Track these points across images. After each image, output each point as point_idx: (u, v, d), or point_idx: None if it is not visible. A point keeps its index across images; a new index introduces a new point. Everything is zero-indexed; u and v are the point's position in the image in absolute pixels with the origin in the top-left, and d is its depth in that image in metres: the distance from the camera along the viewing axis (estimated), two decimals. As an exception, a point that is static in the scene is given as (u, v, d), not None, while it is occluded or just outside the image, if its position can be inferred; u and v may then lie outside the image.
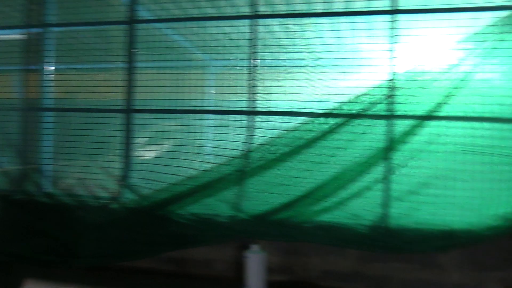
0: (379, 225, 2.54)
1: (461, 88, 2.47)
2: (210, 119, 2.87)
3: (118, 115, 2.96)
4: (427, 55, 2.55)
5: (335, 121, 2.56)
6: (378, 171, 2.54)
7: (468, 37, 2.51)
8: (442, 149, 2.50)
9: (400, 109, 2.53)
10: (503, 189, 2.45)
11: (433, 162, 2.49)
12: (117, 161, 2.93)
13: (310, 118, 2.61)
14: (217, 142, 2.74)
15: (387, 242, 2.51)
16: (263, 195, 2.63)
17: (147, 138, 3.02)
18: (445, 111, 2.48)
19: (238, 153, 2.69)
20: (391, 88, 2.54)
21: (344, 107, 2.57)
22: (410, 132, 2.50)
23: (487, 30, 2.48)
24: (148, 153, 2.99)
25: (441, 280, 2.56)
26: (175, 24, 2.97)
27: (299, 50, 2.66)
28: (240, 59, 2.77)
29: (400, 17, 2.59)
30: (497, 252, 2.50)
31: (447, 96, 2.47)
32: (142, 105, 2.95)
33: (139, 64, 2.96)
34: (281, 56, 2.70)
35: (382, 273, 2.60)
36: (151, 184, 2.79)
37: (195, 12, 2.84)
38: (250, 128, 2.72)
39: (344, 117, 2.56)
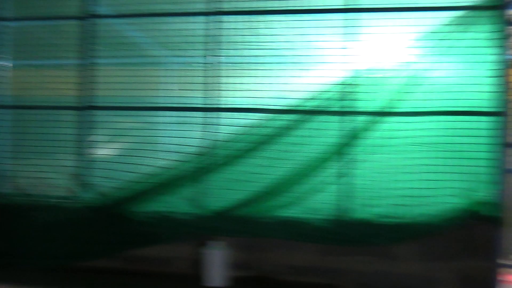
0: (338, 219, 2.60)
1: (416, 84, 2.55)
2: (170, 116, 2.84)
3: (76, 112, 2.89)
4: (384, 53, 2.62)
5: (295, 117, 2.60)
6: (336, 166, 2.59)
7: (423, 35, 2.60)
8: (399, 143, 2.58)
9: (359, 106, 2.59)
10: (455, 182, 2.55)
11: (390, 157, 2.57)
12: (75, 159, 2.87)
13: (270, 114, 2.63)
14: (177, 139, 2.73)
15: (346, 235, 2.58)
16: (223, 191, 2.64)
17: (106, 136, 2.96)
18: (401, 107, 2.56)
19: (198, 150, 2.69)
20: (350, 85, 2.60)
21: (304, 103, 2.61)
22: (367, 128, 2.57)
23: (441, 29, 2.58)
24: (107, 151, 2.93)
25: (397, 271, 2.64)
26: (134, 20, 2.94)
27: (259, 47, 2.68)
28: (199, 56, 2.76)
29: (359, 15, 2.65)
30: (450, 243, 2.60)
31: (403, 92, 2.56)
32: (100, 102, 2.90)
33: (97, 61, 2.91)
34: (241, 53, 2.71)
35: (341, 266, 2.66)
36: (110, 182, 2.76)
37: (154, 8, 2.81)
38: (210, 125, 2.72)
39: (304, 113, 2.60)
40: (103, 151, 2.93)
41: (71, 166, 2.88)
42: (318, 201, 2.60)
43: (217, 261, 2.59)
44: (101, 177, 2.80)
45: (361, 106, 2.58)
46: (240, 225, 2.60)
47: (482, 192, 2.57)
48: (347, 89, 2.59)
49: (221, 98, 2.72)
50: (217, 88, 2.74)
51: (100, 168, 2.84)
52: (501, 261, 2.64)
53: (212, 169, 2.65)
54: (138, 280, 2.70)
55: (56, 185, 2.89)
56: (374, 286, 2.65)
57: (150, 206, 2.71)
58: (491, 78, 2.55)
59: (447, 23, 2.58)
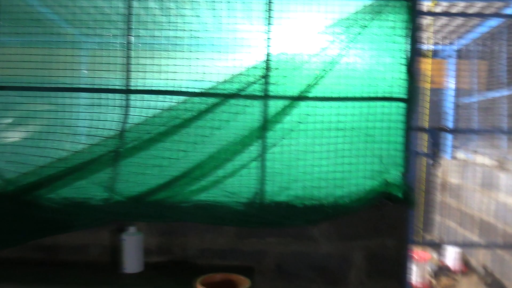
0: (255, 201, 2.63)
1: (329, 70, 2.62)
2: (83, 98, 2.73)
3: (-23, 92, 2.70)
4: (299, 38, 2.65)
5: (211, 100, 2.58)
6: (253, 149, 2.61)
7: (336, 22, 2.66)
8: (314, 128, 2.64)
9: (274, 90, 2.61)
10: (368, 165, 2.67)
11: (304, 140, 2.63)
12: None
13: (186, 97, 2.59)
14: (90, 122, 2.61)
15: (263, 217, 2.62)
16: (139, 176, 2.57)
17: (14, 118, 2.78)
18: (315, 92, 2.62)
19: (112, 133, 2.60)
20: (266, 69, 2.61)
21: (221, 87, 2.59)
22: (283, 112, 2.60)
23: (352, 17, 2.65)
24: (14, 134, 2.76)
25: (312, 251, 2.72)
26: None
27: (176, 28, 2.62)
28: (114, 36, 2.66)
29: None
30: (360, 223, 2.71)
31: (317, 77, 2.61)
32: (8, 82, 2.71)
33: (2, 38, 2.72)
34: (158, 34, 2.63)
35: (258, 248, 2.70)
36: (17, 167, 2.60)
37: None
38: (125, 107, 2.63)
39: (221, 96, 2.58)
40: (12, 135, 2.76)
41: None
42: (235, 184, 2.61)
43: (133, 247, 2.53)
44: (8, 162, 2.63)
45: (278, 90, 2.60)
46: (157, 210, 2.56)
47: (393, 174, 2.70)
48: (264, 73, 2.60)
49: (138, 80, 2.64)
50: (134, 69, 2.65)
51: (7, 152, 2.67)
52: (411, 239, 2.80)
53: (127, 153, 2.57)
54: (52, 270, 2.58)
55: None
56: (291, 266, 2.72)
57: (63, 192, 2.59)
58: (402, 66, 2.67)
59: (361, 10, 2.65)
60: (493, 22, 5.67)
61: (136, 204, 2.55)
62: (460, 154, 6.86)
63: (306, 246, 2.72)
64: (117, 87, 2.64)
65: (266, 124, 2.60)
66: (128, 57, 2.64)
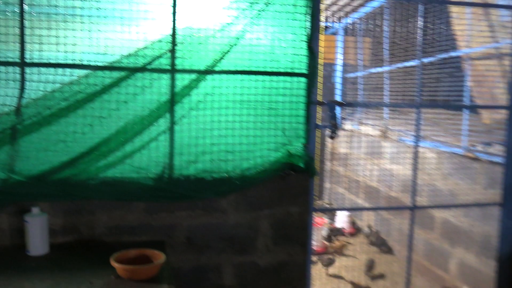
0: (164, 176, 2.63)
1: (235, 45, 2.68)
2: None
3: None
4: (206, 13, 2.66)
5: (117, 74, 2.51)
6: (161, 124, 2.60)
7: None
8: (220, 101, 2.70)
9: (181, 64, 2.61)
10: (272, 137, 2.80)
11: (212, 114, 2.68)
12: None
13: (90, 71, 2.48)
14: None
15: (172, 192, 2.64)
16: (41, 153, 2.44)
17: None
18: (221, 66, 2.66)
19: (8, 109, 2.42)
20: (172, 43, 2.59)
21: (126, 60, 2.52)
22: (190, 86, 2.62)
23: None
24: None
25: (222, 222, 2.80)
26: None
27: (76, -3, 2.48)
28: (5, 3, 2.44)
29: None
30: (266, 193, 2.85)
31: (223, 52, 2.66)
32: None
33: None
34: (56, 2, 2.47)
35: (168, 222, 2.72)
36: None
37: None
38: (22, 81, 2.46)
39: (127, 70, 2.52)
40: None
41: None
42: (144, 159, 2.59)
43: (37, 228, 2.40)
44: None
45: (184, 64, 2.60)
46: (62, 189, 2.45)
47: (296, 146, 2.87)
48: (169, 47, 2.58)
49: (36, 52, 2.46)
50: (30, 41, 2.46)
51: None
52: (312, 206, 3.01)
53: (26, 129, 2.41)
54: None
55: None
56: (201, 238, 2.78)
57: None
58: (303, 42, 2.81)
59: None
60: (377, 3, 6.12)
61: (38, 184, 2.42)
62: (348, 125, 7.39)
63: (215, 218, 2.80)
64: (10, 60, 2.45)
65: (173, 98, 2.59)
66: (22, 26, 2.45)
